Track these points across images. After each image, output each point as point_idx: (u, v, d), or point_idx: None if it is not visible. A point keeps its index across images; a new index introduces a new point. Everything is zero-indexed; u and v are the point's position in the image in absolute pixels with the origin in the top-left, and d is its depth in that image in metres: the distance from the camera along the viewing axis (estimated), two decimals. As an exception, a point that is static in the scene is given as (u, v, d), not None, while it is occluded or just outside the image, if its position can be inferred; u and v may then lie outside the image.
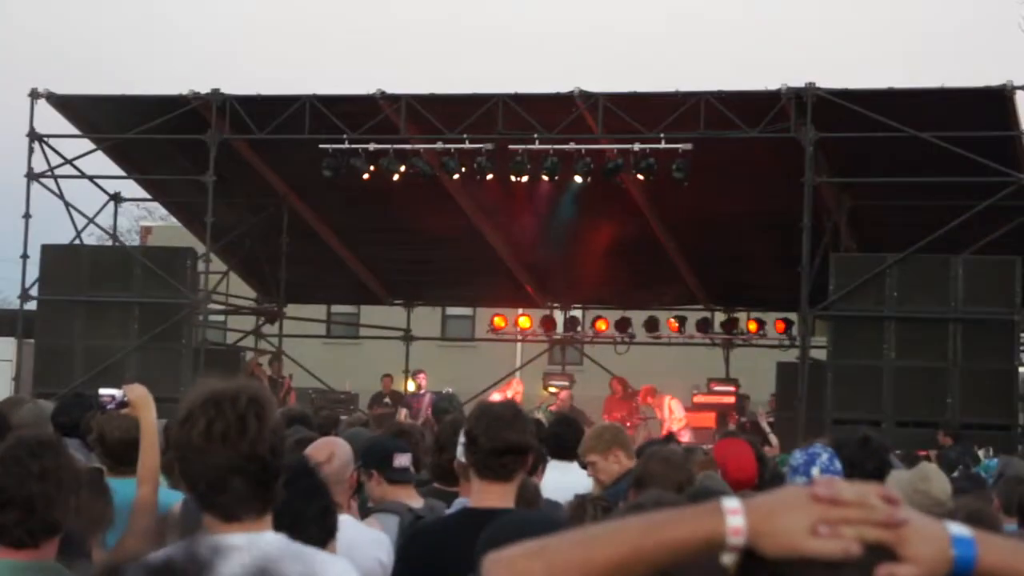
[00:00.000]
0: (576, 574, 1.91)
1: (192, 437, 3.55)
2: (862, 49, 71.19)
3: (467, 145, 24.18)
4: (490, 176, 24.37)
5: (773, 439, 18.42)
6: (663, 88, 23.44)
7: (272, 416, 3.61)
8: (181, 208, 29.20)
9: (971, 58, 67.86)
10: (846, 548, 1.86)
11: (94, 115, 26.60)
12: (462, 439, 5.50)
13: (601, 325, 29.70)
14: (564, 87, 23.65)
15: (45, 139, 26.05)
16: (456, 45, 79.98)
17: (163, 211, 34.77)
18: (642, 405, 27.23)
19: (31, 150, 25.75)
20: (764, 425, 20.66)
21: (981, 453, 18.27)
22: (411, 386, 27.58)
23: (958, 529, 1.93)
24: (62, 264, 25.72)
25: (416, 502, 7.05)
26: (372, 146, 24.60)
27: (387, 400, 26.67)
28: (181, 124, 24.98)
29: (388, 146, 24.57)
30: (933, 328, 21.82)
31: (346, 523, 5.31)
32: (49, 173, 26.02)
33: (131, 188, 29.20)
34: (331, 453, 6.11)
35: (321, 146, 24.65)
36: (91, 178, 27.32)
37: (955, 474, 10.36)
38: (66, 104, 26.06)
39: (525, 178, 24.41)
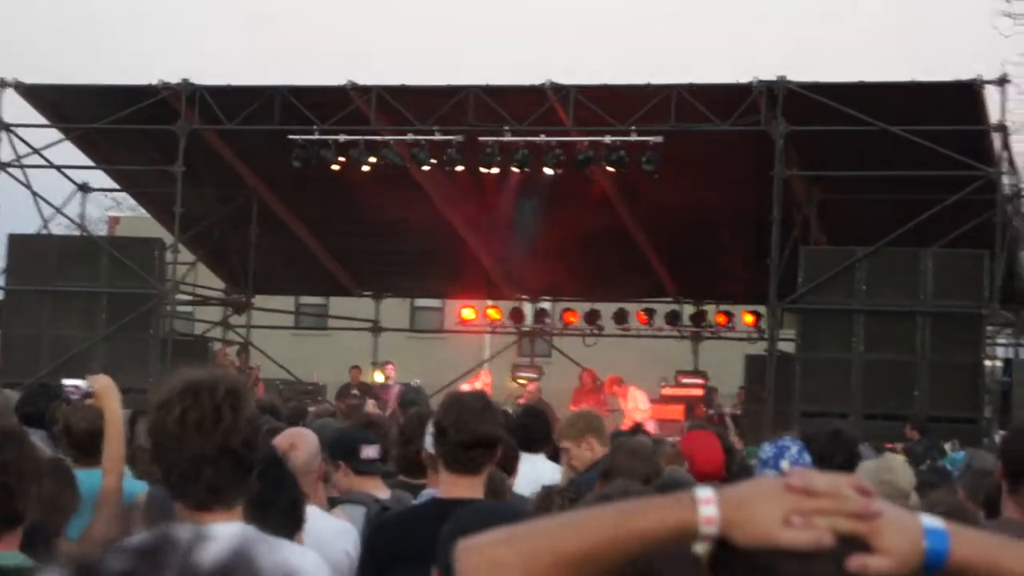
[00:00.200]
0: (548, 560, 1.89)
1: (167, 424, 3.54)
2: (834, 42, 71.39)
3: (437, 137, 24.14)
4: (460, 168, 24.34)
5: (735, 437, 18.38)
6: (634, 81, 23.53)
7: (248, 408, 3.60)
8: (150, 198, 29.06)
9: (942, 52, 68.12)
10: (819, 539, 1.85)
11: (63, 105, 26.48)
12: (431, 430, 5.49)
13: (570, 317, 29.74)
14: (536, 79, 23.70)
15: (12, 128, 25.93)
16: (427, 36, 79.91)
17: (132, 202, 34.61)
18: (608, 395, 27.21)
19: (-2, 139, 25.68)
20: (728, 422, 20.67)
21: (948, 447, 18.37)
22: (379, 377, 27.51)
23: (931, 521, 1.92)
24: (29, 254, 25.62)
25: (383, 493, 7.04)
26: (342, 137, 24.52)
27: (355, 392, 26.57)
28: (151, 114, 24.89)
29: (358, 137, 24.50)
30: (902, 321, 21.91)
31: (313, 514, 5.29)
32: (16, 163, 25.91)
33: (100, 178, 29.10)
34: (292, 443, 6.08)
35: (291, 137, 24.56)
36: (59, 168, 27.20)
37: (922, 468, 10.39)
38: (34, 93, 25.94)
39: (495, 170, 24.40)
